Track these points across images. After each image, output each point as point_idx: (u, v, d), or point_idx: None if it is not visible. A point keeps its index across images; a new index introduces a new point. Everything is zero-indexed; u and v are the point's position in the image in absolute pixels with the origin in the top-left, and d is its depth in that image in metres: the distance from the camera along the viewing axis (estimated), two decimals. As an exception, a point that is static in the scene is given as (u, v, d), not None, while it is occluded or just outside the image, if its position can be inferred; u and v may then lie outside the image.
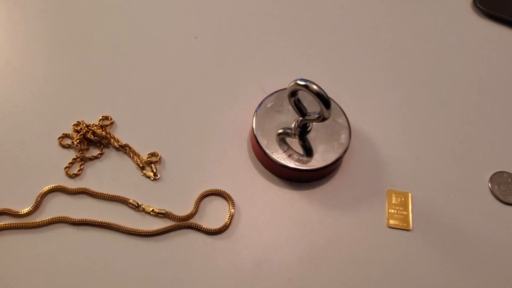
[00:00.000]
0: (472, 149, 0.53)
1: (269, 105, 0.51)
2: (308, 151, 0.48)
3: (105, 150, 0.50)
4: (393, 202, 0.49)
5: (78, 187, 0.47)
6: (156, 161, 0.49)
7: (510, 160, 0.52)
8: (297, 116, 0.48)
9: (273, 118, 0.50)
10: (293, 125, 0.49)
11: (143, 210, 0.46)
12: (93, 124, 0.50)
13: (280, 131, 0.49)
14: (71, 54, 0.55)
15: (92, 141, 0.49)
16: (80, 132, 0.49)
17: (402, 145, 0.53)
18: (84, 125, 0.50)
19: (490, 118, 0.55)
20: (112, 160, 0.49)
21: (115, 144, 0.50)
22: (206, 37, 0.58)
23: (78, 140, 0.49)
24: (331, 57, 0.58)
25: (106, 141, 0.50)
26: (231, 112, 0.53)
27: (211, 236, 0.46)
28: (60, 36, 0.57)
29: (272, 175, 0.50)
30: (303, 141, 0.49)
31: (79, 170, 0.48)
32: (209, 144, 0.51)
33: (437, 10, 0.64)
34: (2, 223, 0.44)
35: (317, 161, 0.48)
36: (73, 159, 0.48)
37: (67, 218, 0.45)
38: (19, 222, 0.45)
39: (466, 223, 0.48)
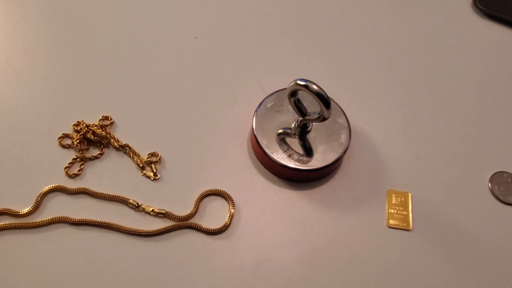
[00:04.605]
0: (472, 149, 0.53)
1: (269, 105, 0.51)
2: (308, 151, 0.48)
3: (105, 150, 0.50)
4: (393, 202, 0.49)
5: (78, 187, 0.47)
6: (156, 161, 0.49)
7: (510, 160, 0.52)
8: (297, 116, 0.48)
9: (273, 118, 0.50)
10: (293, 125, 0.49)
11: (143, 210, 0.46)
12: (93, 124, 0.50)
13: (280, 131, 0.49)
14: (71, 54, 0.55)
15: (92, 141, 0.49)
16: (80, 132, 0.49)
17: (402, 145, 0.53)
18: (84, 125, 0.50)
19: (490, 118, 0.55)
20: (112, 160, 0.49)
21: (115, 144, 0.50)
22: (206, 37, 0.58)
23: (78, 140, 0.49)
24: (331, 57, 0.58)
25: (106, 141, 0.50)
26: (231, 112, 0.53)
27: (211, 236, 0.46)
28: (60, 36, 0.57)
29: (272, 175, 0.50)
30: (303, 141, 0.49)
31: (79, 170, 0.48)
32: (209, 144, 0.51)
33: (437, 10, 0.64)
34: (2, 223, 0.44)
35: (317, 161, 0.48)
36: (73, 159, 0.48)
37: (67, 218, 0.45)
38: (19, 222, 0.45)
39: (466, 223, 0.48)
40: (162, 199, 0.47)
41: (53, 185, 0.47)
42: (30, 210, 0.45)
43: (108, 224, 0.45)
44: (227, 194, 0.48)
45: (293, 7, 0.62)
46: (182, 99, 0.53)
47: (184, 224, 0.46)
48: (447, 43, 0.61)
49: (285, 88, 0.50)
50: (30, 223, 0.45)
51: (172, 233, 0.46)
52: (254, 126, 0.49)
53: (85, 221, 0.45)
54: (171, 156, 0.50)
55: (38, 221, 0.45)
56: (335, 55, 0.59)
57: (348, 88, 0.56)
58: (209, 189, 0.48)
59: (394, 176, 0.50)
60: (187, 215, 0.46)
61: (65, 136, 0.50)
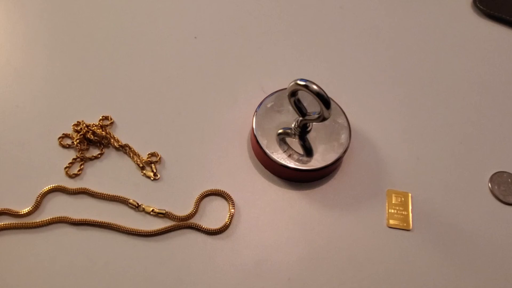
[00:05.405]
0: (472, 149, 0.53)
1: (269, 105, 0.51)
2: (308, 151, 0.48)
3: (105, 150, 0.50)
4: (393, 202, 0.49)
5: (78, 187, 0.47)
6: (156, 161, 0.49)
7: (510, 160, 0.52)
8: (297, 116, 0.48)
9: (273, 118, 0.50)
10: (293, 125, 0.49)
11: (143, 210, 0.46)
12: (93, 124, 0.50)
13: (280, 131, 0.49)
14: (71, 54, 0.55)
15: (92, 141, 0.49)
16: (80, 132, 0.49)
17: (402, 145, 0.53)
18: (84, 125, 0.50)
19: (490, 118, 0.55)
20: (112, 160, 0.49)
21: (115, 144, 0.50)
22: (206, 37, 0.58)
23: (78, 140, 0.49)
24: (331, 57, 0.58)
25: (106, 141, 0.50)
26: (231, 112, 0.53)
27: (211, 236, 0.46)
28: (60, 36, 0.57)
29: (272, 175, 0.50)
30: (303, 141, 0.49)
31: (79, 170, 0.48)
32: (209, 144, 0.51)
33: (437, 10, 0.64)
34: (2, 223, 0.44)
35: (317, 161, 0.48)
36: (73, 159, 0.48)
37: (67, 218, 0.45)
38: (19, 222, 0.45)
39: (466, 223, 0.48)
40: (162, 199, 0.47)
41: (53, 185, 0.47)
42: (30, 210, 0.45)
43: (108, 224, 0.45)
44: (227, 194, 0.48)
45: (293, 7, 0.62)
46: (182, 99, 0.53)
47: (184, 224, 0.46)
48: (447, 43, 0.61)
49: (285, 88, 0.50)
50: (30, 223, 0.45)
51: (172, 233, 0.46)
52: (254, 126, 0.49)
53: (85, 221, 0.45)
54: (171, 156, 0.50)
55: (38, 221, 0.45)
56: (335, 55, 0.59)
57: (348, 88, 0.56)
58: (209, 189, 0.48)
59: (394, 176, 0.50)
60: (187, 215, 0.46)
61: (65, 136, 0.50)
